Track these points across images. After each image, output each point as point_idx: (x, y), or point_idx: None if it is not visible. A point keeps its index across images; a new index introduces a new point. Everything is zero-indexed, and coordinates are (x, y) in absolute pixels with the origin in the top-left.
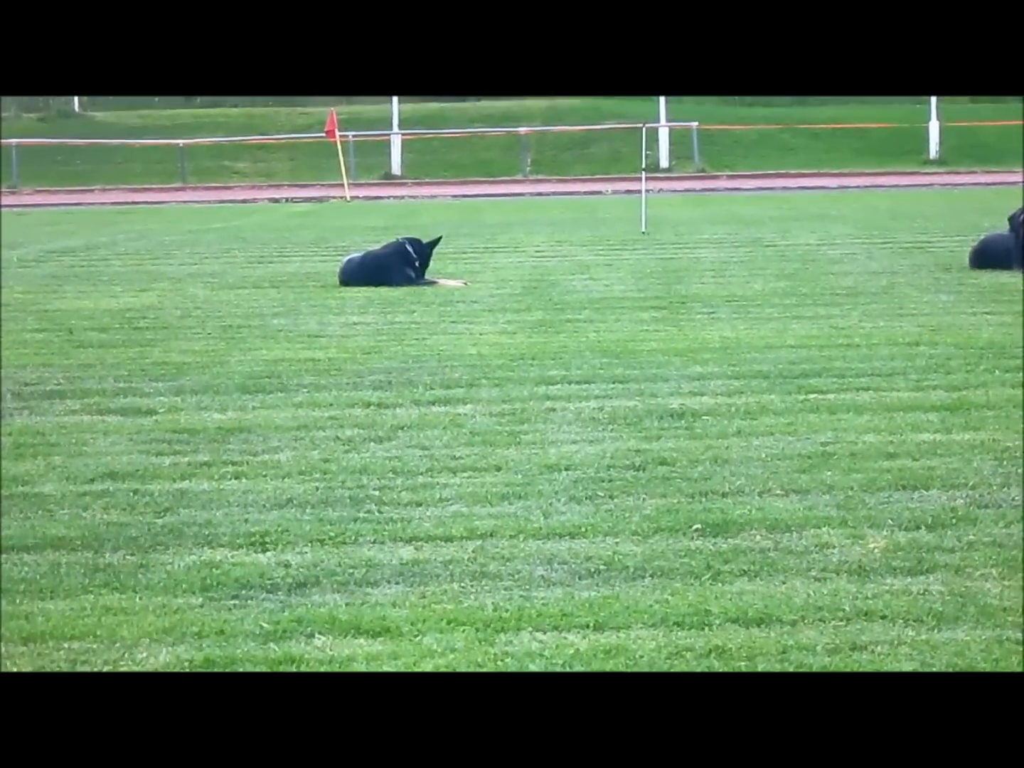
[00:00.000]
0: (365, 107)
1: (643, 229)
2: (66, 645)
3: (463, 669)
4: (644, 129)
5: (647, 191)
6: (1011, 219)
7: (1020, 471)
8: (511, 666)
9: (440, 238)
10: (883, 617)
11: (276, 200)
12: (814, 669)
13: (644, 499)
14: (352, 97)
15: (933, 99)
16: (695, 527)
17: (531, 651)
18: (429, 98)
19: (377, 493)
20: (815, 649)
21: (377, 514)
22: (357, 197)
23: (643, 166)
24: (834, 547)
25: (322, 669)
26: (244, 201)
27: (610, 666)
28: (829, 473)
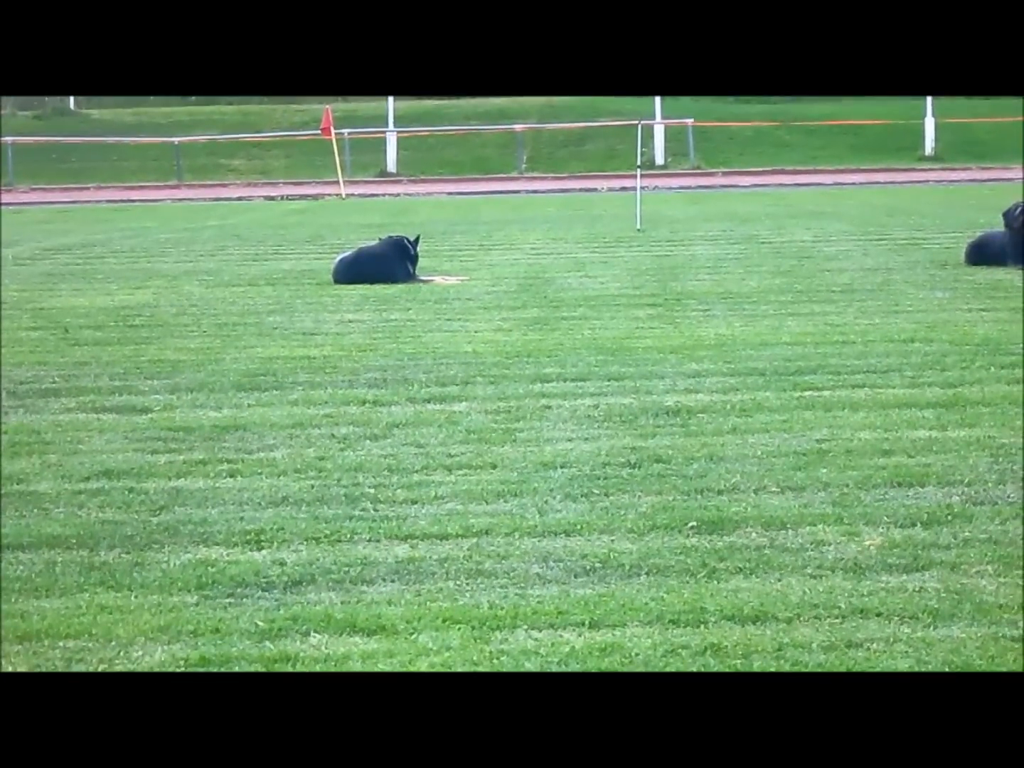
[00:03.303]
0: (361, 104)
1: (638, 226)
2: (61, 644)
3: (458, 667)
4: (640, 126)
5: (642, 188)
6: (1005, 215)
7: (1016, 468)
8: (506, 664)
9: (419, 236)
10: (879, 614)
11: (271, 198)
12: (810, 666)
13: (640, 497)
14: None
15: (929, 96)
16: (691, 525)
17: (526, 649)
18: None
19: (372, 491)
20: (811, 647)
21: (372, 512)
22: (353, 195)
23: (638, 163)
24: (830, 544)
25: (317, 667)
26: (239, 199)
27: (605, 664)
28: (825, 470)
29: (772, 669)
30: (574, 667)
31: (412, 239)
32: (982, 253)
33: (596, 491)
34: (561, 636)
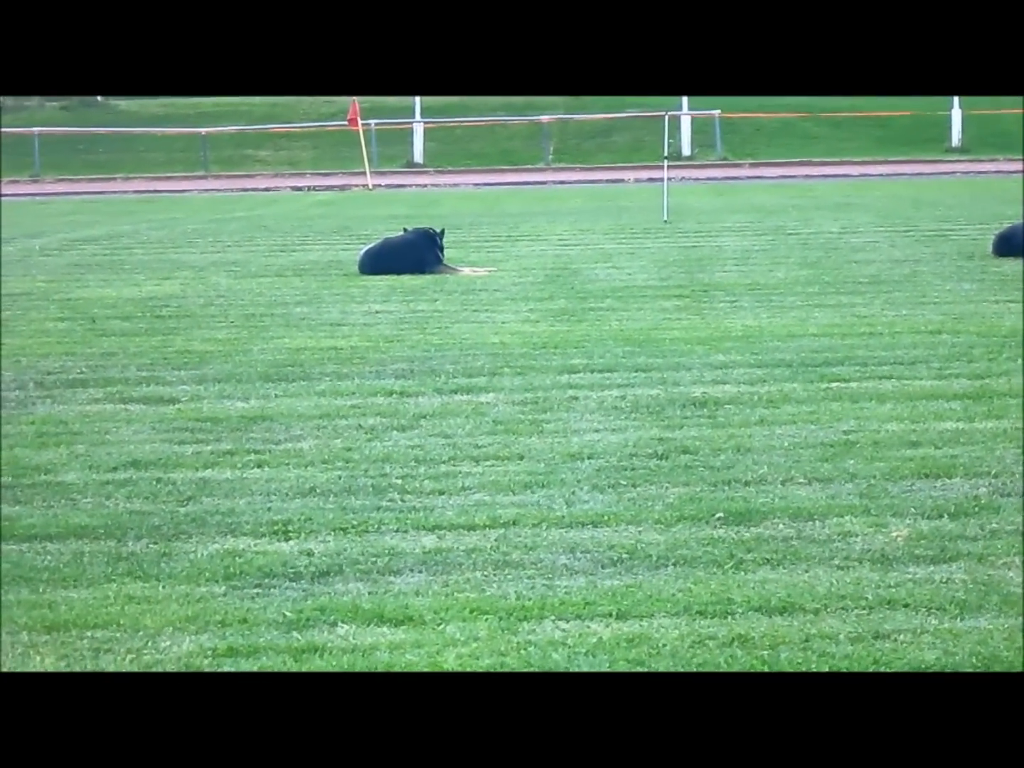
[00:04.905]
0: (388, 96)
1: (665, 218)
2: (89, 634)
3: (486, 658)
4: (667, 117)
5: (669, 179)
6: None
7: None
8: (534, 655)
9: (443, 230)
10: (906, 606)
11: (298, 189)
12: (836, 658)
13: (667, 488)
14: None
15: (951, 95)
16: (718, 516)
17: (554, 640)
18: None
19: (400, 482)
20: (838, 638)
21: (400, 503)
22: (379, 186)
23: (665, 154)
24: (857, 536)
25: (345, 658)
26: (266, 190)
27: (632, 655)
28: (852, 462)
29: (799, 660)
30: (601, 658)
31: (438, 231)
32: (1009, 245)
33: (623, 482)
34: (588, 627)
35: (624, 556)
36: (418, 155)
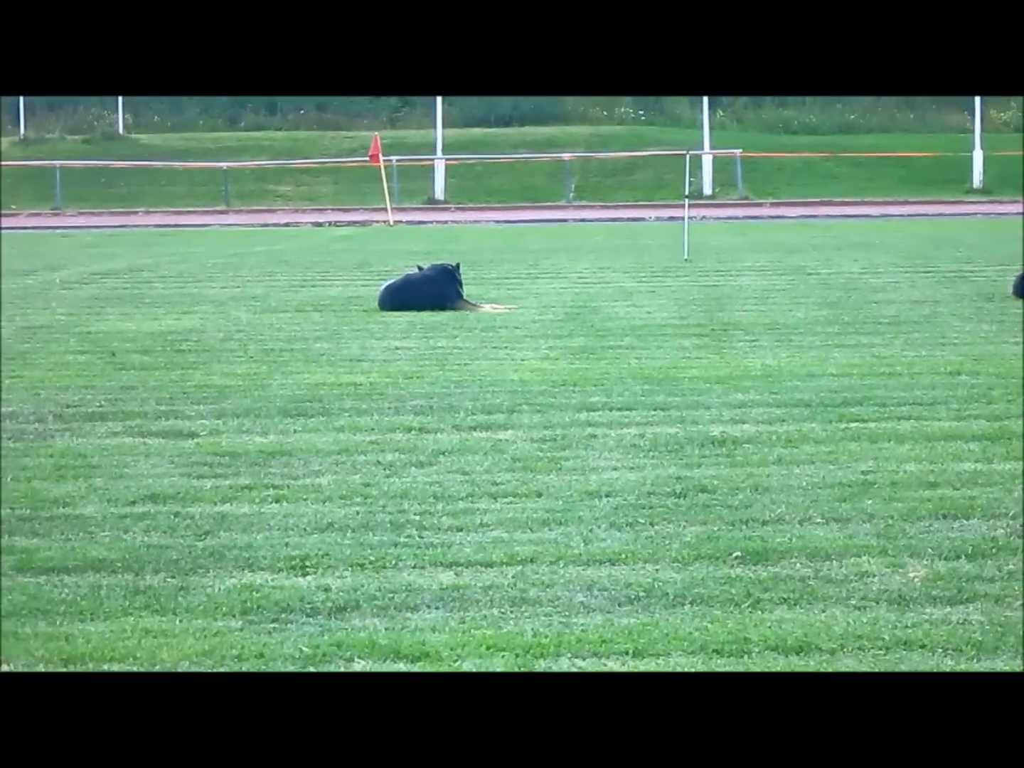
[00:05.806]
0: (409, 132)
1: (686, 256)
2: (106, 667)
3: None
4: (688, 156)
5: (690, 218)
6: None
7: None
8: None
9: (459, 264)
10: (922, 647)
11: (319, 224)
12: None
13: (684, 526)
14: (396, 122)
15: (977, 129)
16: (735, 555)
17: None
18: (473, 123)
19: (418, 518)
20: None
21: (417, 539)
22: (400, 221)
23: (686, 193)
24: (874, 576)
25: None
26: (287, 224)
27: None
28: (870, 502)
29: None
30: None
31: (454, 265)
32: None
33: (641, 520)
34: (605, 665)
35: (641, 594)
36: (439, 191)
